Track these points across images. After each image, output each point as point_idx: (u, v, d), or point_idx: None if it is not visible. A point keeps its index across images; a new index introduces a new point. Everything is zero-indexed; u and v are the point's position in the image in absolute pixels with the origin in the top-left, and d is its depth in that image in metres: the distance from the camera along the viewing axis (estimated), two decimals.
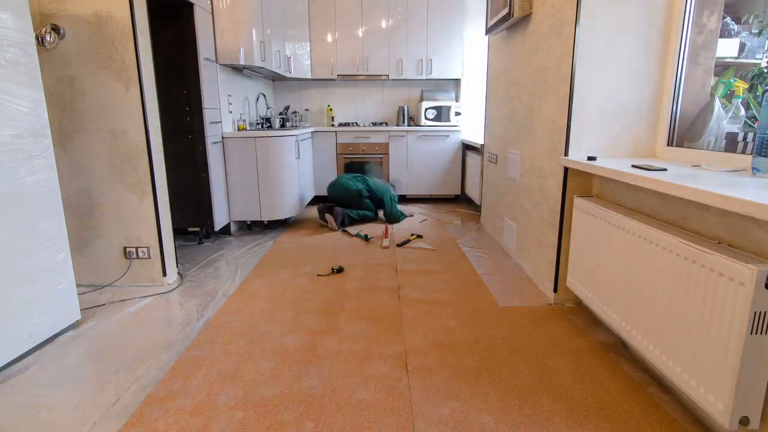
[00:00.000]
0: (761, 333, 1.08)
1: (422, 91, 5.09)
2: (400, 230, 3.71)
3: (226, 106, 3.67)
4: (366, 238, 3.38)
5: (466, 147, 4.75)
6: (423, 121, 4.83)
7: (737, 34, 1.98)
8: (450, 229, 3.76)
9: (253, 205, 3.66)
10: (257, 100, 4.56)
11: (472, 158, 4.45)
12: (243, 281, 2.57)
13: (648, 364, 1.66)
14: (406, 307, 2.19)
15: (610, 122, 2.03)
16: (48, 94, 2.01)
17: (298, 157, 4.00)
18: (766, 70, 1.97)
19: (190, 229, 3.48)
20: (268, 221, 3.84)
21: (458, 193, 4.92)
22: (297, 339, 1.90)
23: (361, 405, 1.47)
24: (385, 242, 3.28)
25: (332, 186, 4.03)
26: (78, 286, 2.07)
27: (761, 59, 1.96)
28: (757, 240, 1.18)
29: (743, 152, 1.61)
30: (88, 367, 1.71)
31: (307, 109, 5.27)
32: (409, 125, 5.04)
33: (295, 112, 5.16)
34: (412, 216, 4.21)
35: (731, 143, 1.71)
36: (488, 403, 1.48)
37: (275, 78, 5.02)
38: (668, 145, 1.98)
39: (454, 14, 4.79)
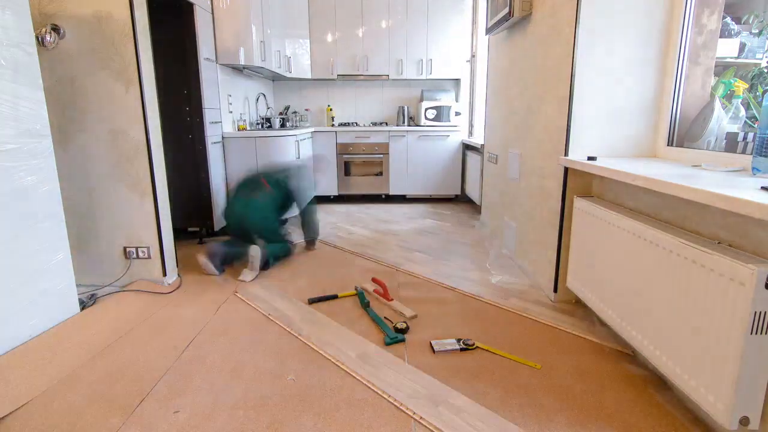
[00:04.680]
0: (761, 333, 1.08)
1: (422, 91, 5.09)
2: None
3: (226, 106, 3.67)
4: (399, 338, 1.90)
5: (466, 147, 4.75)
6: (423, 121, 4.83)
7: (737, 34, 1.98)
8: (450, 229, 3.76)
9: None
10: (257, 100, 4.56)
11: (472, 158, 4.45)
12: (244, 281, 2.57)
13: (648, 363, 1.66)
14: (406, 306, 2.18)
15: (610, 122, 2.02)
16: (48, 94, 2.01)
17: (298, 157, 4.00)
18: (766, 70, 1.97)
19: (190, 229, 3.48)
20: None
21: (458, 193, 4.92)
22: (297, 338, 1.90)
23: (361, 404, 1.47)
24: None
25: (238, 211, 2.74)
26: (78, 286, 2.06)
27: (761, 59, 1.96)
28: (757, 240, 1.18)
29: (743, 152, 1.61)
30: (88, 367, 1.71)
31: (307, 109, 5.28)
32: (409, 125, 5.04)
33: (295, 112, 5.16)
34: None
35: (731, 143, 1.71)
36: (488, 402, 1.47)
37: (275, 78, 5.02)
38: (668, 145, 1.98)
39: (454, 14, 4.79)
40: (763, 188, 1.17)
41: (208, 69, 3.29)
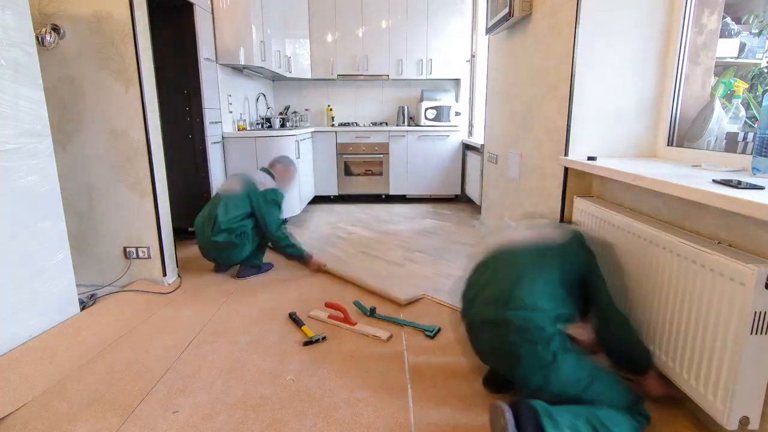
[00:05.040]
0: (761, 333, 1.07)
1: (422, 91, 5.09)
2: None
3: (226, 106, 3.67)
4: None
5: (466, 147, 4.75)
6: (423, 121, 4.83)
7: (737, 34, 1.98)
8: (450, 229, 3.76)
9: None
10: (257, 100, 4.56)
11: (472, 158, 4.45)
12: (243, 280, 2.57)
13: None
14: (404, 307, 2.19)
15: (610, 122, 2.02)
16: (48, 94, 2.01)
17: (298, 157, 4.00)
18: (766, 70, 1.97)
19: (190, 229, 3.48)
20: None
21: (458, 193, 4.92)
22: (297, 338, 1.90)
23: (360, 404, 1.47)
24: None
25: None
26: (78, 286, 2.06)
27: (761, 59, 1.96)
28: (757, 240, 1.18)
29: (743, 152, 1.61)
30: (88, 367, 1.71)
31: (307, 109, 5.28)
32: (409, 125, 5.04)
33: (295, 112, 5.16)
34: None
35: (731, 143, 1.71)
36: (488, 402, 1.47)
37: (275, 78, 5.02)
38: (668, 145, 1.98)
39: (454, 14, 4.79)
40: (714, 181, 1.25)
41: (208, 69, 3.29)
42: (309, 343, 1.85)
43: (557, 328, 1.27)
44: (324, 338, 1.88)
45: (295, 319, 2.05)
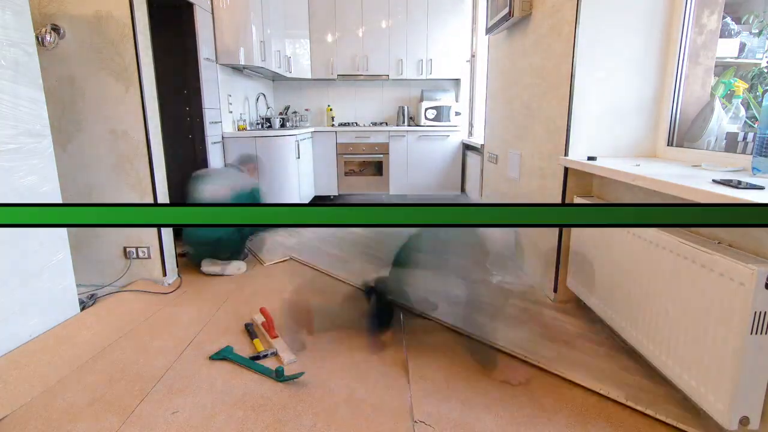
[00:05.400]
0: (761, 333, 1.08)
1: (422, 91, 5.09)
2: None
3: (226, 106, 3.67)
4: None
5: (466, 147, 4.75)
6: (423, 121, 4.83)
7: (737, 34, 1.98)
8: (450, 228, 3.75)
9: None
10: (257, 100, 4.56)
11: (472, 158, 4.45)
12: (243, 280, 2.57)
13: (648, 363, 1.66)
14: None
15: (610, 122, 2.02)
16: (48, 94, 2.01)
17: (298, 157, 4.00)
18: (766, 70, 1.97)
19: None
20: None
21: (458, 193, 4.92)
22: (296, 337, 1.90)
23: (361, 404, 1.47)
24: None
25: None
26: (78, 285, 2.06)
27: (761, 59, 1.96)
28: (757, 240, 1.18)
29: (743, 152, 1.61)
30: (88, 367, 1.71)
31: (307, 109, 5.28)
32: (409, 125, 5.04)
33: (295, 112, 5.16)
34: None
35: (731, 143, 1.71)
36: (488, 402, 1.47)
37: (275, 78, 5.02)
38: (668, 145, 1.98)
39: (453, 14, 4.79)
40: (714, 181, 1.26)
41: (208, 69, 3.29)
42: (256, 358, 1.75)
43: None
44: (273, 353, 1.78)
45: (250, 331, 1.95)
